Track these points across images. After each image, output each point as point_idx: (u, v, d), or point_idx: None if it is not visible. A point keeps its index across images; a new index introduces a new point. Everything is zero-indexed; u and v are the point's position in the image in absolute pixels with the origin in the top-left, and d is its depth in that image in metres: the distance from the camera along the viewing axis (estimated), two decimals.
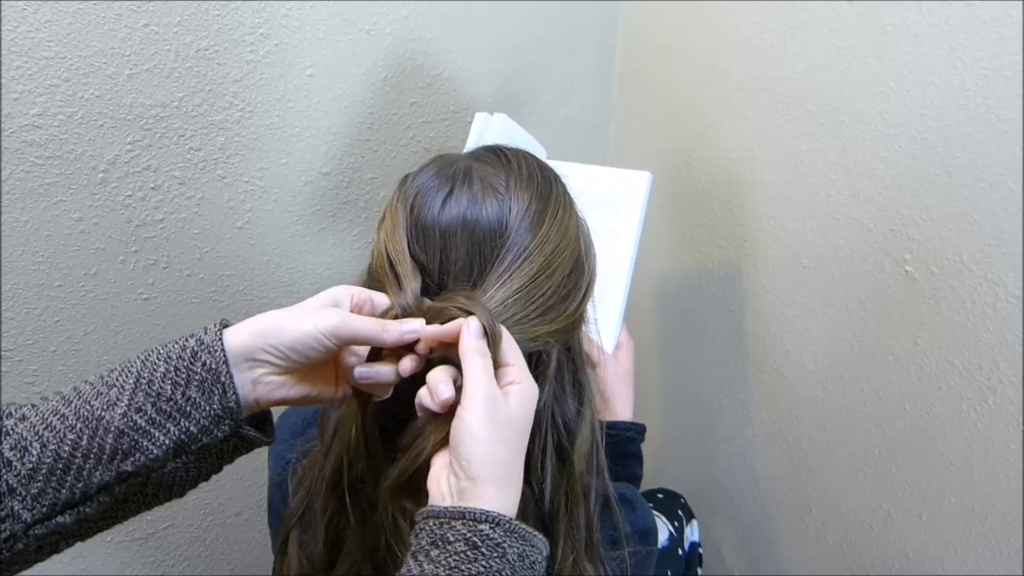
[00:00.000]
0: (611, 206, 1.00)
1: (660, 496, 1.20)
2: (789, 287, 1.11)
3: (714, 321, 1.27)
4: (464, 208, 0.61)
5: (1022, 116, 0.79)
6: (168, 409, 0.48)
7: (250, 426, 0.53)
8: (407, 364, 0.56)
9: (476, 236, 0.61)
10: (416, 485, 0.56)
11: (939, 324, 0.92)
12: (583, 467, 0.67)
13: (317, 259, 1.12)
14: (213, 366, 0.49)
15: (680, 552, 1.12)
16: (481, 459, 0.49)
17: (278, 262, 1.09)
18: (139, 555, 1.15)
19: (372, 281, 0.64)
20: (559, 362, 0.66)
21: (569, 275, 0.63)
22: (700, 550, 1.19)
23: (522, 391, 0.53)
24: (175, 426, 0.48)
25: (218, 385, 0.49)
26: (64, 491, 0.46)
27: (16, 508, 0.44)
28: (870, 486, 1.05)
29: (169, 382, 0.48)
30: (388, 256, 0.62)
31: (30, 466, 0.45)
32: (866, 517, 1.07)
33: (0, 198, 0.87)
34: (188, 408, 0.48)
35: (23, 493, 0.45)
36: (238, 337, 0.51)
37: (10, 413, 0.48)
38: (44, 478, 0.45)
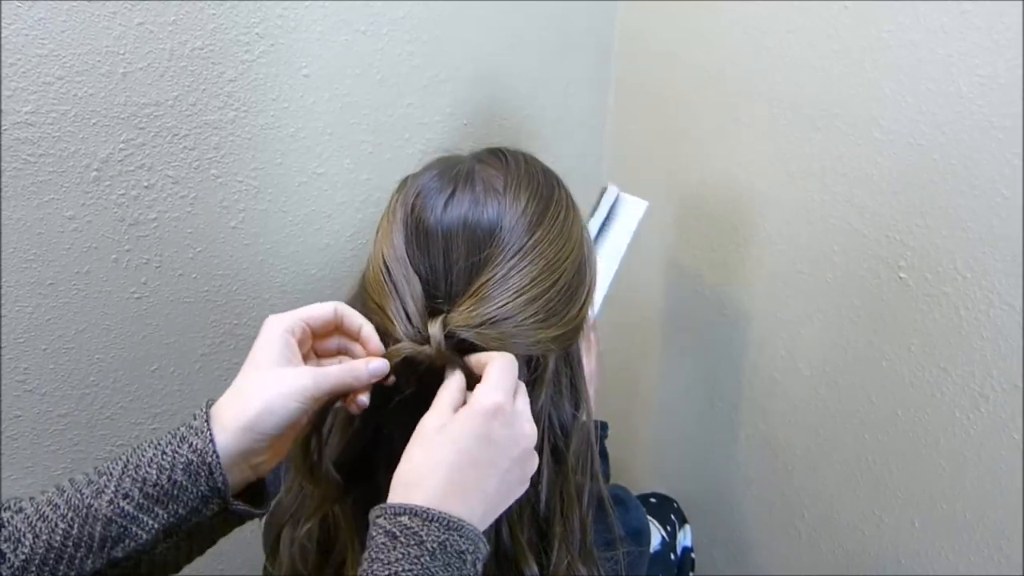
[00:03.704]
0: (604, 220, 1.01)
1: (653, 500, 1.20)
2: (784, 292, 1.11)
3: (708, 325, 1.27)
4: (466, 210, 0.60)
5: (1019, 123, 0.79)
6: (155, 494, 0.49)
7: (244, 497, 0.54)
8: (363, 400, 0.58)
9: (475, 238, 0.60)
10: None
11: (933, 331, 0.92)
12: (578, 470, 0.67)
13: (311, 260, 1.12)
14: (200, 447, 0.50)
15: (672, 557, 1.12)
16: (406, 469, 0.52)
17: (272, 262, 1.09)
18: None
19: (365, 290, 0.63)
20: (556, 365, 0.65)
21: (572, 280, 0.62)
22: (693, 555, 1.19)
23: (466, 415, 0.53)
24: (163, 510, 0.49)
25: (204, 467, 0.49)
26: None
27: None
28: (863, 492, 1.05)
29: (155, 467, 0.49)
30: (385, 263, 0.61)
31: (23, 557, 0.46)
32: (859, 523, 1.07)
33: None
34: (175, 492, 0.49)
35: None
36: (230, 437, 0.51)
37: (8, 506, 0.49)
38: (37, 568, 0.46)
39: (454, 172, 0.63)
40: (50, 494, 0.49)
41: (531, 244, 0.60)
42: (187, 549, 0.52)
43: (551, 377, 0.64)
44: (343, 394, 0.57)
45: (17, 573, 0.46)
